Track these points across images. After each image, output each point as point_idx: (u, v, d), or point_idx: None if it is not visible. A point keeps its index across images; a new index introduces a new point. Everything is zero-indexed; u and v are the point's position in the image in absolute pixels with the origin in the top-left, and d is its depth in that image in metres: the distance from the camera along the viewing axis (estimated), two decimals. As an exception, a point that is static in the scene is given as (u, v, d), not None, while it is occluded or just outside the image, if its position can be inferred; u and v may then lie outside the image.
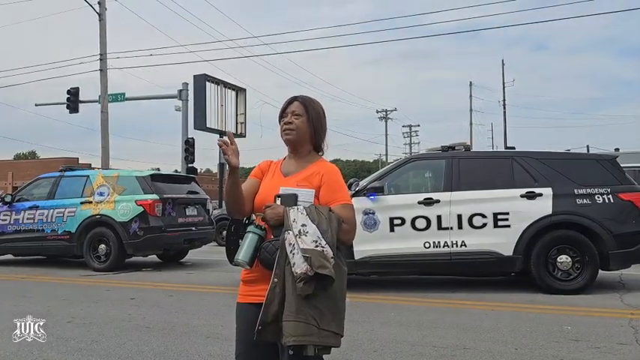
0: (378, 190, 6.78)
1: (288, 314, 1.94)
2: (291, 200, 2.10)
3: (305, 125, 2.24)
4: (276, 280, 2.00)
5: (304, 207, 2.06)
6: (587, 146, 28.50)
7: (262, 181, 2.29)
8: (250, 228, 2.11)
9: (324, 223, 2.01)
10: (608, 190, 6.46)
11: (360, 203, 6.71)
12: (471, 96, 49.78)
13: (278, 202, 2.12)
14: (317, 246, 1.95)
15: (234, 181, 2.14)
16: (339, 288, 2.06)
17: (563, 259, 6.36)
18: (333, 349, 2.04)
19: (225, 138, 2.11)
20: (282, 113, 2.28)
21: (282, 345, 1.99)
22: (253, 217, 2.19)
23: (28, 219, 9.90)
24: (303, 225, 1.98)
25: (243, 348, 2.18)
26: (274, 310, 1.98)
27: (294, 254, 1.95)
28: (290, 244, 1.97)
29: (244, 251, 2.07)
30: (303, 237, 1.96)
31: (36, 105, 25.68)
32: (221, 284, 7.53)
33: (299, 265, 1.92)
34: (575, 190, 6.48)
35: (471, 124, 49.44)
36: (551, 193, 6.49)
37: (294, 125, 2.23)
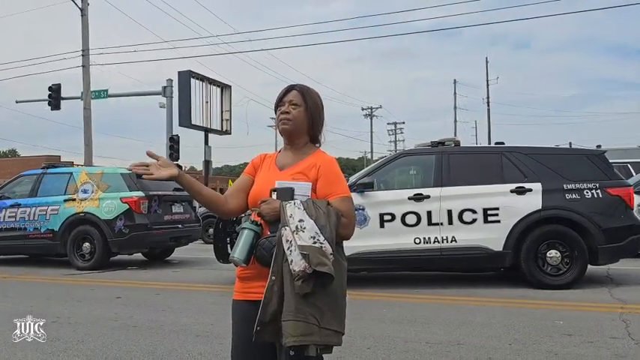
0: (368, 186, 6.73)
1: (287, 313, 1.86)
2: (287, 194, 2.02)
3: (302, 115, 2.15)
4: (273, 278, 1.91)
5: (301, 201, 1.97)
6: (570, 143, 28.76)
7: (257, 175, 2.20)
8: (246, 224, 2.03)
9: (322, 218, 1.93)
10: (597, 185, 6.48)
11: (350, 199, 6.64)
12: (455, 94, 50.14)
13: (274, 196, 2.03)
14: (315, 242, 1.87)
15: (187, 187, 2.08)
16: (339, 284, 1.98)
17: (553, 253, 6.37)
18: None
19: (139, 162, 2.04)
20: (279, 102, 2.18)
21: (282, 345, 1.91)
22: (249, 212, 2.11)
23: (9, 217, 9.68)
24: (300, 220, 1.90)
25: (240, 347, 2.10)
26: (273, 309, 1.90)
27: (291, 251, 1.87)
28: (287, 240, 1.89)
29: (240, 249, 1.98)
30: (301, 233, 1.87)
31: (17, 102, 25.18)
32: (208, 282, 7.42)
33: (297, 263, 1.84)
34: (565, 185, 6.50)
35: (455, 121, 49.82)
36: (541, 188, 6.49)
37: (291, 115, 2.13)
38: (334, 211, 2.00)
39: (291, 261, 1.86)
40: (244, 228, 2.02)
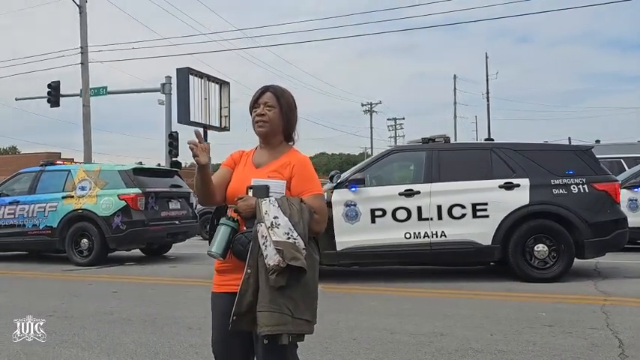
0: (360, 182, 6.85)
1: (262, 305, 1.99)
2: (262, 192, 2.14)
3: (277, 117, 2.25)
4: (249, 271, 2.04)
5: (276, 199, 2.09)
6: (569, 138, 28.87)
7: (234, 171, 2.32)
8: (223, 220, 2.16)
9: (295, 215, 2.05)
10: (584, 180, 6.60)
11: (342, 195, 6.79)
12: (455, 89, 50.09)
13: (250, 193, 2.16)
14: (289, 238, 1.99)
15: (203, 177, 2.17)
16: (312, 277, 2.12)
17: (540, 247, 6.49)
18: (312, 338, 2.09)
19: (194, 139, 2.14)
20: (254, 104, 2.28)
21: (257, 334, 2.04)
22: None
23: (8, 214, 9.82)
24: (275, 217, 2.02)
25: (219, 336, 2.23)
26: (248, 300, 2.03)
27: (266, 246, 1.99)
28: (262, 236, 2.01)
29: (217, 243, 2.11)
30: (275, 229, 2.00)
31: (16, 99, 25.30)
32: (205, 277, 7.51)
33: (271, 257, 1.97)
34: (552, 181, 6.61)
35: (455, 116, 49.79)
36: (529, 183, 6.61)
37: (266, 117, 2.24)
38: (307, 208, 2.12)
39: (266, 255, 1.99)
40: (221, 224, 2.15)
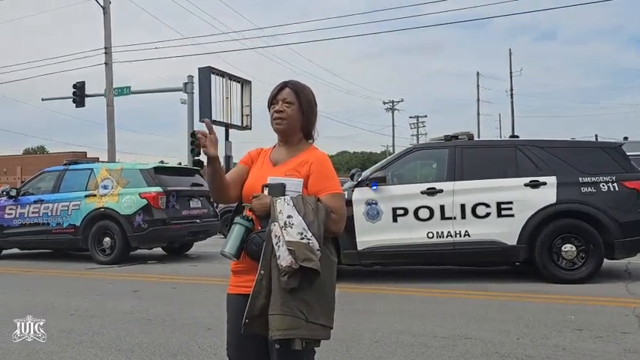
0: (381, 180, 6.73)
1: (274, 307, 1.91)
2: (278, 190, 2.05)
3: (296, 114, 2.16)
4: (262, 272, 1.96)
5: (291, 197, 2.00)
6: (596, 135, 28.24)
7: (251, 169, 2.24)
8: (237, 219, 2.08)
9: (310, 214, 1.96)
10: (613, 178, 6.38)
11: (363, 194, 6.68)
12: (478, 86, 49.49)
13: (265, 192, 2.07)
14: (302, 238, 1.90)
15: (214, 170, 2.09)
16: (329, 279, 2.02)
17: (568, 248, 6.29)
18: (333, 340, 2.00)
19: (204, 129, 2.06)
20: (273, 100, 2.20)
21: (269, 339, 1.96)
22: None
23: (33, 213, 9.95)
24: (289, 216, 1.93)
25: (234, 340, 2.15)
26: (261, 302, 1.95)
27: (279, 246, 1.91)
28: (276, 236, 1.93)
29: (231, 243, 2.04)
30: (289, 229, 1.91)
31: (42, 99, 25.73)
32: (225, 276, 7.40)
33: (284, 258, 1.88)
34: (580, 179, 6.41)
35: (478, 114, 49.21)
36: (556, 181, 6.41)
37: (285, 114, 2.15)
38: (323, 208, 2.02)
39: (279, 256, 1.90)
40: (236, 223, 2.07)
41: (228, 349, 2.19)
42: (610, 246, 6.26)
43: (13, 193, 10.33)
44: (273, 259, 1.93)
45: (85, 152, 31.49)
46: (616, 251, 6.29)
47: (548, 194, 6.38)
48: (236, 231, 2.05)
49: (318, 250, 1.92)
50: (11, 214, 10.18)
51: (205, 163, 2.10)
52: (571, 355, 3.68)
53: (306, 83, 2.26)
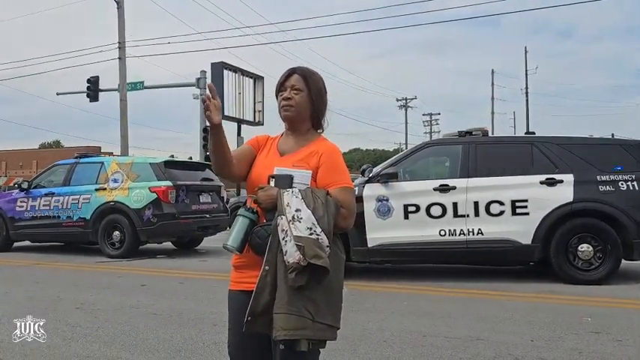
0: (393, 177, 6.61)
1: (279, 306, 1.80)
2: (285, 182, 1.95)
3: (305, 101, 2.06)
4: (267, 267, 1.85)
5: (299, 190, 1.90)
6: (612, 134, 27.81)
7: (257, 156, 2.13)
8: (241, 211, 1.97)
9: (320, 208, 1.85)
10: (633, 176, 6.19)
11: (374, 190, 6.56)
12: (492, 84, 48.93)
13: (272, 183, 1.97)
14: (311, 234, 1.79)
15: (217, 139, 1.99)
16: (336, 277, 1.91)
17: (584, 248, 6.13)
18: (341, 339, 1.89)
19: (208, 92, 1.96)
20: (280, 87, 2.10)
21: (273, 338, 1.85)
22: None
23: (44, 205, 9.95)
24: (297, 210, 1.83)
25: (235, 338, 2.06)
26: (265, 300, 1.84)
27: (286, 242, 1.80)
28: (283, 230, 1.82)
29: (234, 236, 1.93)
30: (297, 223, 1.80)
31: (57, 94, 25.92)
32: (233, 272, 7.44)
33: (291, 254, 1.78)
34: (598, 177, 6.23)
35: (492, 112, 48.63)
36: (573, 179, 6.25)
37: (293, 101, 2.05)
38: (333, 202, 1.92)
39: (286, 252, 1.80)
40: (239, 215, 1.97)
41: (230, 348, 2.10)
42: (628, 246, 6.09)
43: (25, 185, 10.34)
44: (279, 255, 1.83)
45: (100, 147, 31.76)
46: (635, 252, 6.11)
47: (564, 192, 6.21)
48: (240, 223, 1.95)
49: (327, 246, 1.81)
50: (23, 206, 10.20)
51: (209, 132, 2.00)
52: (589, 359, 3.54)
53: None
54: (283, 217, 1.84)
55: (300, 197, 1.87)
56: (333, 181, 1.99)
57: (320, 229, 1.81)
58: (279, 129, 2.24)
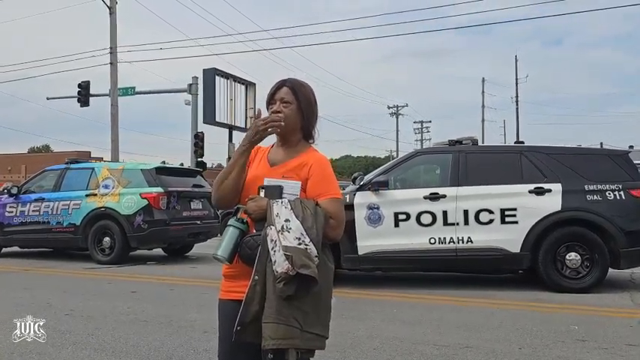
0: (383, 185, 6.65)
1: (268, 315, 1.82)
2: (275, 193, 1.98)
3: (294, 114, 2.08)
4: (256, 277, 1.88)
5: (289, 200, 1.93)
6: (601, 143, 28.08)
7: (248, 168, 2.17)
8: (231, 221, 2.00)
9: (309, 219, 1.88)
10: (620, 186, 6.28)
11: (365, 198, 6.60)
12: (483, 92, 49.27)
13: (262, 193, 2.00)
14: (300, 244, 1.82)
15: (243, 164, 2.04)
16: (325, 287, 1.93)
17: (572, 256, 6.19)
18: (330, 346, 1.91)
19: (262, 116, 2.05)
20: (270, 99, 2.12)
21: (262, 348, 1.87)
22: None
23: (33, 211, 9.89)
24: (286, 220, 1.86)
25: (225, 347, 2.07)
26: (254, 309, 1.86)
27: (275, 252, 1.82)
28: (272, 240, 1.85)
29: (224, 246, 1.95)
30: (286, 233, 1.83)
31: (47, 98, 25.76)
32: (224, 278, 7.43)
33: (280, 264, 1.80)
34: (586, 186, 6.31)
35: (483, 120, 48.92)
36: (561, 188, 6.32)
37: (283, 115, 2.08)
38: (322, 212, 1.94)
39: (275, 262, 1.82)
40: (229, 225, 1.99)
41: (220, 356, 2.11)
42: (615, 255, 6.16)
43: (15, 191, 10.28)
44: (268, 265, 1.85)
45: (90, 152, 31.56)
46: (621, 261, 6.19)
47: (553, 201, 6.29)
48: (230, 233, 1.97)
49: (316, 256, 1.83)
50: (12, 212, 10.13)
51: (238, 151, 2.04)
52: (574, 367, 3.59)
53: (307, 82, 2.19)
54: (272, 227, 1.87)
55: (290, 208, 1.90)
56: (322, 192, 2.01)
57: (309, 239, 1.84)
58: (270, 137, 2.26)
